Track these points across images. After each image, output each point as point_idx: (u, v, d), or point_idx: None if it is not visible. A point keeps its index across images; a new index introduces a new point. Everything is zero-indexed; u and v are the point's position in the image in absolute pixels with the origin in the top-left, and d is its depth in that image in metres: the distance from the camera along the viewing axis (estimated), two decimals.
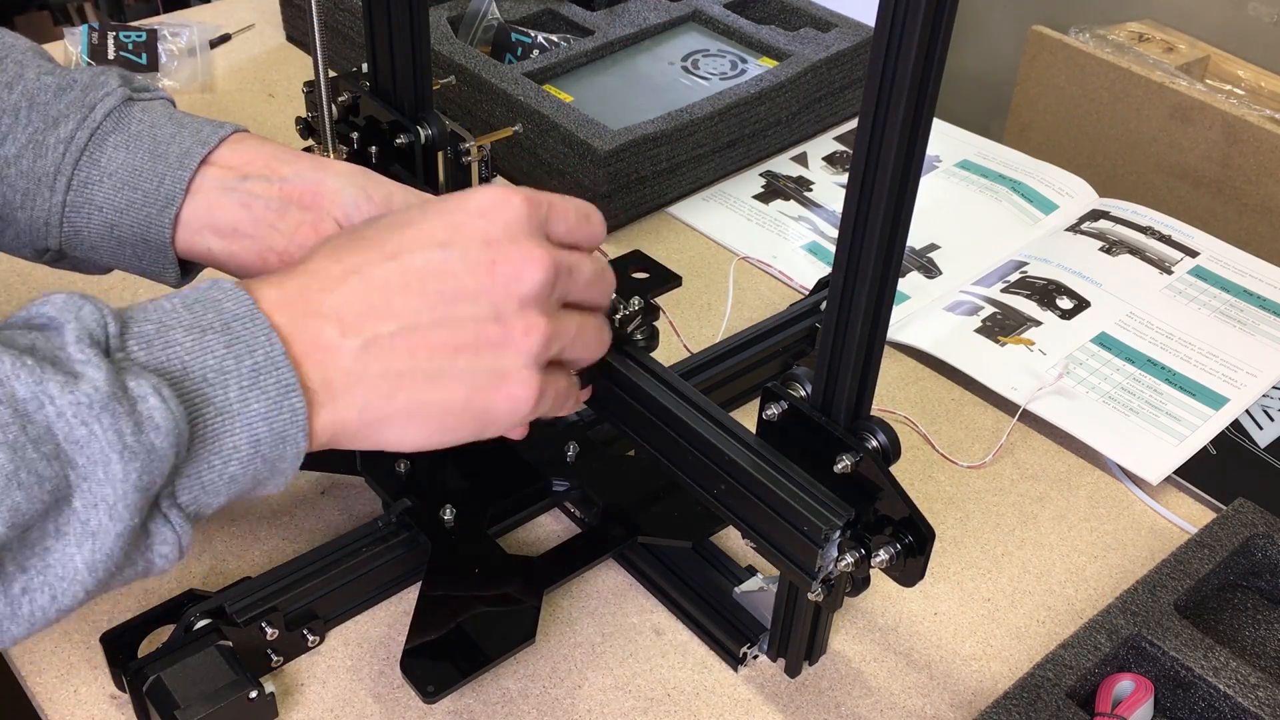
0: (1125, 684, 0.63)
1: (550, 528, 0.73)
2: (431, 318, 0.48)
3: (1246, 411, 0.83)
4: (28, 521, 0.39)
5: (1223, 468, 0.79)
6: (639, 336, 0.64)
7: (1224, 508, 0.73)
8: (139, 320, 0.43)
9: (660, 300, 0.71)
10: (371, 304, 0.47)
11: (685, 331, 0.87)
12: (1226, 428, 0.82)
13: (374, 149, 0.77)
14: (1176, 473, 0.78)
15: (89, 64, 1.11)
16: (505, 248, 0.49)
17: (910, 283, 0.94)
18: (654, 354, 0.64)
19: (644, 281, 0.72)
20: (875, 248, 0.50)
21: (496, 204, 0.50)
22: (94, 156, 0.57)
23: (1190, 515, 0.76)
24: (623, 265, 0.73)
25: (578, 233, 0.54)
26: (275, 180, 0.59)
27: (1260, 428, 0.82)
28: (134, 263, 0.60)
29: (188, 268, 0.61)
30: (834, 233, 0.91)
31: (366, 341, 0.47)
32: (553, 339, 0.51)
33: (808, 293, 0.87)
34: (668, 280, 0.73)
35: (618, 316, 0.63)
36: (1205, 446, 0.80)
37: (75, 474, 0.39)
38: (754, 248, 0.97)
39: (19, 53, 0.60)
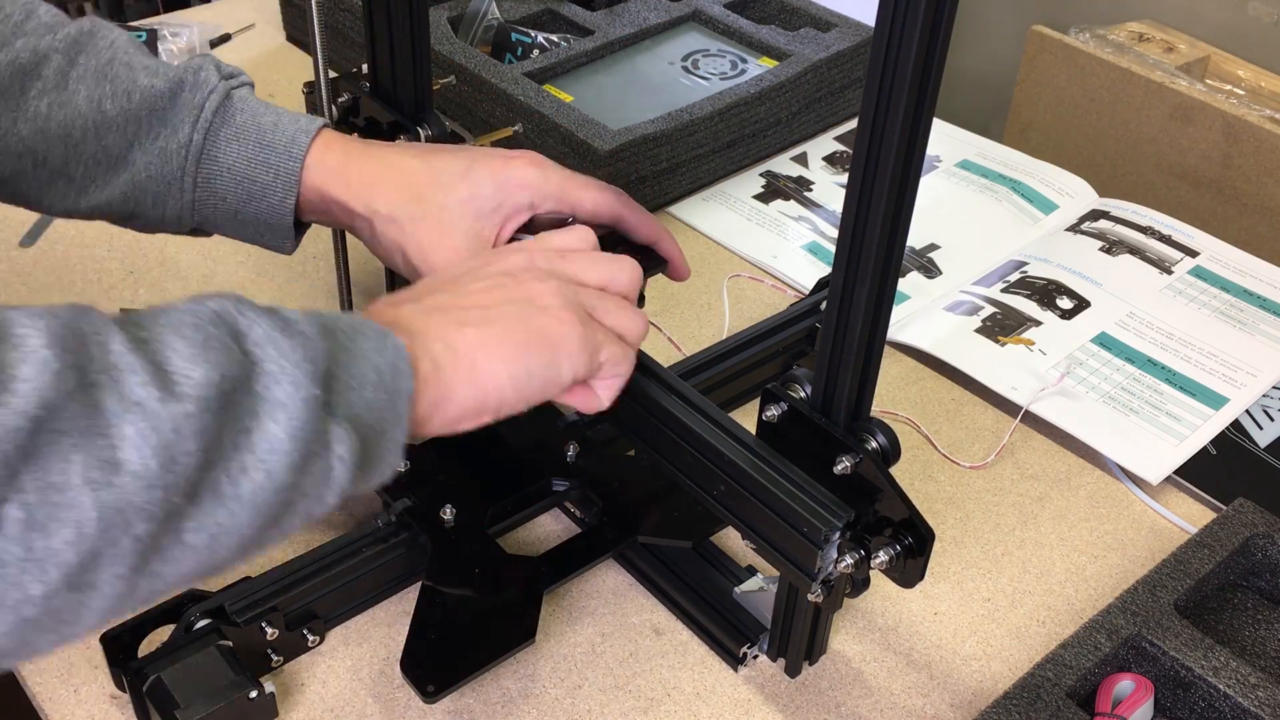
0: (1125, 684, 0.63)
1: (550, 528, 0.73)
2: (469, 284, 0.56)
3: (1246, 411, 0.83)
4: (228, 386, 0.41)
5: (1222, 468, 0.79)
6: None
7: (1224, 508, 0.73)
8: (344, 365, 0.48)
9: (661, 301, 0.71)
10: (434, 294, 0.55)
11: (684, 331, 0.87)
12: (1226, 428, 0.82)
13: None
14: (1176, 473, 0.78)
15: None
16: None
17: (910, 283, 0.94)
18: (654, 354, 0.64)
19: None
20: (875, 248, 0.50)
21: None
22: (211, 154, 0.63)
23: (1190, 515, 0.76)
24: (610, 246, 0.73)
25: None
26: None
27: (1260, 428, 0.82)
28: (255, 237, 0.67)
29: (299, 229, 0.67)
30: (834, 233, 0.91)
31: (425, 305, 0.54)
32: (571, 286, 0.56)
33: (807, 293, 0.87)
34: (654, 263, 0.72)
35: None
36: (1205, 446, 0.80)
37: (249, 359, 0.43)
38: (754, 248, 0.97)
39: (124, 53, 0.64)
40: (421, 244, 0.63)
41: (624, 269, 0.60)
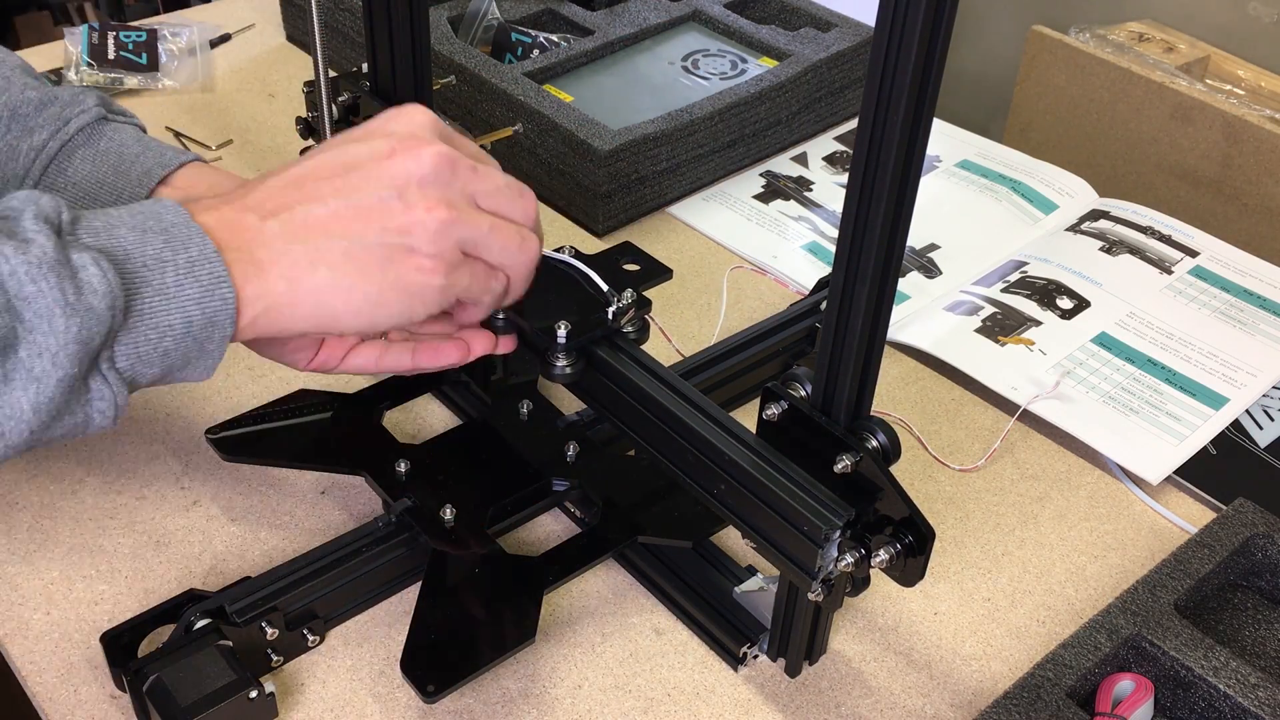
0: (1125, 684, 0.63)
1: (550, 527, 0.73)
2: (338, 199, 0.53)
3: (1247, 411, 0.83)
4: None
5: (1223, 468, 0.79)
6: (630, 329, 0.64)
7: (1224, 507, 0.73)
8: (89, 217, 0.49)
9: (661, 301, 0.71)
10: (286, 191, 0.53)
11: (684, 331, 0.87)
12: (1227, 428, 0.82)
13: None
14: (1176, 472, 0.78)
15: (89, 64, 1.11)
16: (405, 140, 0.55)
17: (910, 282, 0.94)
18: (654, 355, 0.64)
19: (635, 274, 0.72)
20: (875, 247, 0.50)
21: (404, 110, 0.57)
22: (61, 166, 0.63)
23: (1190, 515, 0.76)
24: (613, 257, 0.73)
25: (477, 157, 0.59)
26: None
27: (1260, 428, 0.82)
28: None
29: None
30: (834, 233, 0.91)
31: (283, 223, 0.52)
32: (455, 224, 0.54)
33: (808, 293, 0.87)
34: (658, 273, 0.73)
35: (610, 310, 0.63)
36: (1205, 446, 0.80)
37: (22, 327, 0.45)
38: (754, 248, 0.97)
39: (7, 69, 0.67)
40: None
41: (526, 201, 0.58)
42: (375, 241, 0.53)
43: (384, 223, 0.53)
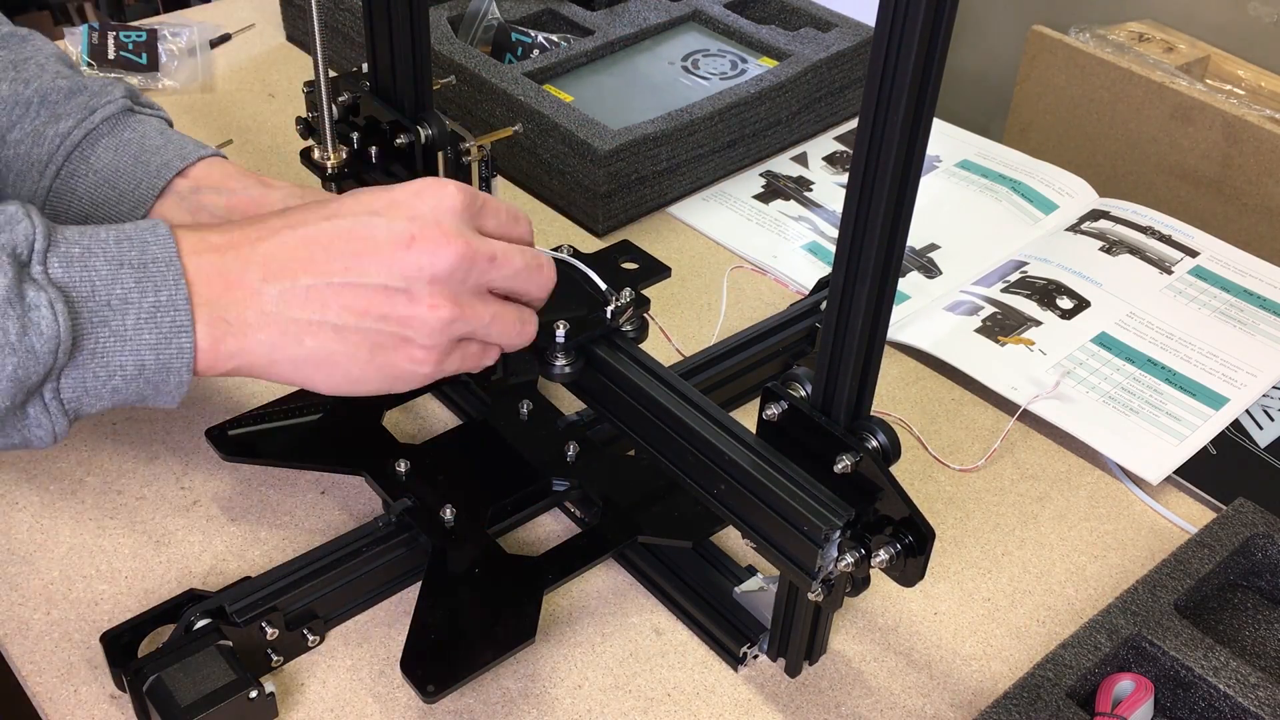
0: (1125, 684, 0.63)
1: (550, 527, 0.73)
2: (346, 278, 0.52)
3: (1247, 411, 0.83)
4: None
5: (1223, 468, 0.79)
6: (629, 328, 0.64)
7: (1224, 507, 0.73)
8: (69, 241, 0.49)
9: (661, 301, 0.71)
10: (296, 256, 0.52)
11: (684, 331, 0.87)
12: (1227, 428, 0.82)
13: (374, 149, 0.77)
14: (1176, 472, 0.78)
15: (89, 64, 1.11)
16: (428, 227, 0.53)
17: (910, 282, 0.94)
18: (654, 355, 0.64)
19: (634, 273, 0.72)
20: (875, 247, 0.50)
21: (432, 187, 0.54)
22: (84, 153, 0.64)
23: (1190, 515, 0.76)
24: (612, 256, 0.73)
25: (508, 229, 0.58)
26: (224, 193, 0.65)
27: (1260, 427, 0.82)
28: None
29: None
30: (834, 233, 0.91)
31: (284, 290, 0.52)
32: (458, 322, 0.54)
33: (807, 293, 0.87)
34: (657, 271, 0.73)
35: (609, 308, 0.63)
36: (1205, 446, 0.80)
37: None
38: (754, 248, 0.97)
39: (43, 56, 0.67)
40: None
41: (544, 274, 0.58)
42: (372, 328, 0.53)
43: (386, 311, 0.53)
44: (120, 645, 0.61)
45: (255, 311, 0.51)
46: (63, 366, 0.48)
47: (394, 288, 0.52)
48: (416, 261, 0.52)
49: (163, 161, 0.65)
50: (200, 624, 0.60)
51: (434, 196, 0.54)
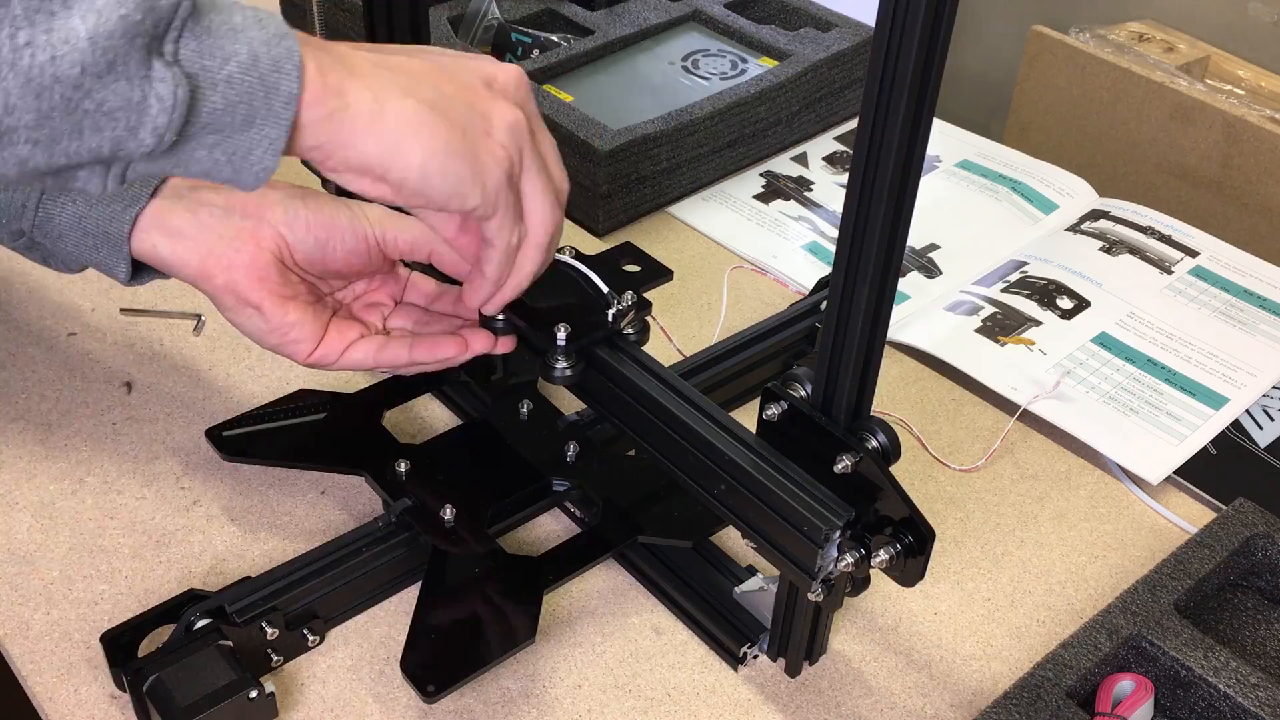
0: (1125, 684, 0.63)
1: (550, 527, 0.73)
2: (435, 68, 0.54)
3: (1246, 411, 0.83)
4: None
5: (1223, 468, 0.79)
6: (630, 330, 0.64)
7: (1224, 507, 0.73)
8: None
9: (661, 301, 0.71)
10: (379, 52, 0.53)
11: (684, 331, 0.87)
12: (1226, 428, 0.82)
13: None
14: (1176, 472, 0.78)
15: None
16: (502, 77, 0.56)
17: (910, 282, 0.94)
18: (654, 354, 0.64)
19: (635, 275, 0.72)
20: (876, 247, 0.50)
21: (502, 67, 0.57)
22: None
23: (1190, 515, 0.76)
24: (614, 258, 0.73)
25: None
26: (223, 190, 0.63)
27: (1260, 427, 0.82)
28: (93, 255, 0.63)
29: (140, 269, 0.64)
30: (834, 232, 0.91)
31: (376, 62, 0.52)
32: (526, 136, 0.56)
33: (807, 293, 0.87)
34: (659, 274, 0.73)
35: (610, 311, 0.63)
36: (1205, 446, 0.80)
37: None
38: (754, 248, 0.97)
39: None
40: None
41: (567, 187, 0.60)
42: (462, 108, 0.53)
43: (472, 98, 0.54)
44: (120, 645, 0.61)
45: (357, 65, 0.51)
46: (185, 19, 0.45)
47: (475, 84, 0.55)
48: (496, 78, 0.56)
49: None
50: (200, 624, 0.60)
51: (502, 71, 0.57)
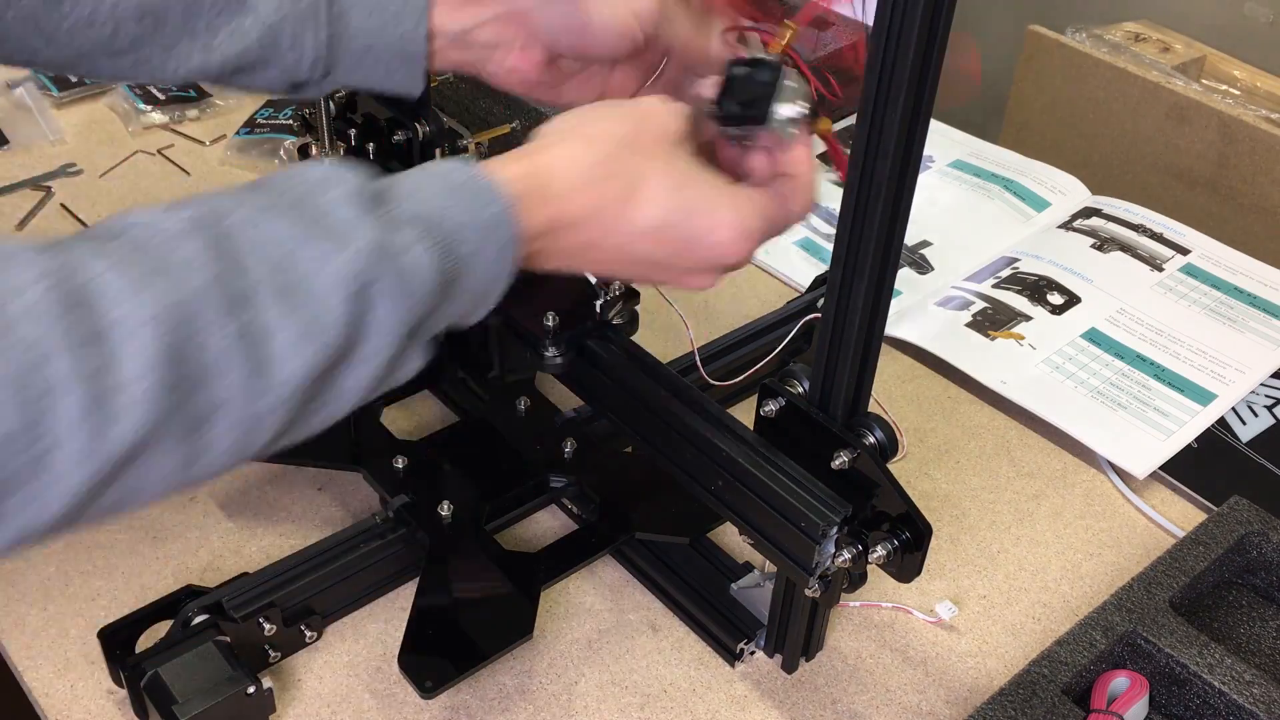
0: (1120, 681, 0.63)
1: (548, 524, 0.73)
2: (650, 269, 0.54)
3: (1232, 408, 0.84)
4: (326, 365, 0.43)
5: (1205, 463, 0.79)
6: (619, 320, 0.64)
7: (1206, 502, 0.73)
8: (396, 182, 0.48)
9: (657, 297, 0.72)
10: (599, 259, 0.53)
11: (679, 328, 0.87)
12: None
13: (371, 145, 0.77)
14: (1161, 468, 0.78)
15: (144, 108, 1.09)
16: (701, 276, 0.55)
17: (902, 278, 0.94)
18: (651, 352, 0.64)
19: None
20: (873, 245, 0.51)
21: (726, 251, 0.54)
22: (339, 35, 0.60)
23: (1172, 512, 0.76)
24: None
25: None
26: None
27: (1244, 423, 0.83)
28: (386, 79, 0.62)
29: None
30: (828, 229, 0.91)
31: (580, 243, 0.52)
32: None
33: (804, 290, 0.87)
34: None
35: (598, 302, 0.63)
36: (1189, 442, 0.81)
37: (358, 335, 0.44)
38: None
39: None
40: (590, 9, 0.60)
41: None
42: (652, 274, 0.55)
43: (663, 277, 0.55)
44: (118, 641, 0.61)
45: (575, 248, 0.52)
46: (441, 301, 0.47)
47: (699, 272, 0.55)
48: (724, 264, 0.55)
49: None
50: (198, 620, 0.60)
51: (725, 264, 0.55)
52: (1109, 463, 0.79)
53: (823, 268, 0.93)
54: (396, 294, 0.44)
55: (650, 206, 0.52)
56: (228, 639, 0.60)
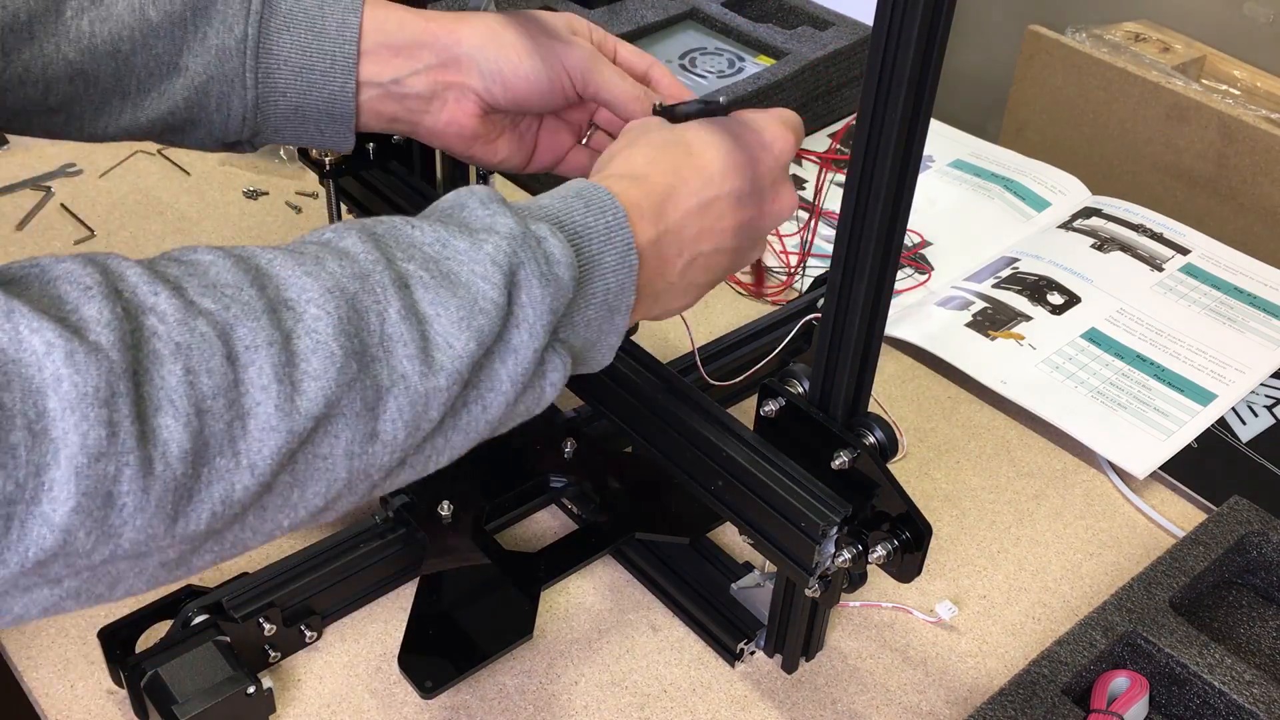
0: (1120, 681, 0.63)
1: (547, 524, 0.73)
2: (730, 244, 0.56)
3: (1231, 407, 0.84)
4: (483, 350, 0.44)
5: (1205, 463, 0.79)
6: None
7: (1206, 502, 0.73)
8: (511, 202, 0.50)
9: None
10: (700, 228, 0.55)
11: (680, 329, 0.87)
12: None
13: (371, 145, 0.77)
14: (1161, 468, 0.78)
15: None
16: (781, 187, 0.58)
17: (902, 278, 0.94)
18: (651, 352, 0.64)
19: None
20: (873, 245, 0.51)
21: (781, 143, 0.58)
22: (267, 47, 0.61)
23: (1173, 511, 0.76)
24: None
25: None
26: (422, 75, 0.63)
27: (1244, 423, 0.83)
28: (315, 135, 0.64)
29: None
30: (827, 230, 0.92)
31: (690, 259, 0.54)
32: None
33: (803, 290, 0.87)
34: None
35: None
36: (1189, 442, 0.81)
37: (510, 315, 0.45)
38: None
39: None
40: (516, 68, 0.62)
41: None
42: (732, 266, 0.57)
43: (744, 257, 0.57)
44: (117, 640, 0.61)
45: (664, 281, 0.54)
46: (570, 304, 0.48)
47: (758, 239, 0.58)
48: (772, 219, 0.58)
49: (339, 22, 0.61)
50: (198, 619, 0.60)
51: (783, 152, 0.58)
52: (1109, 463, 0.79)
53: (823, 268, 0.93)
54: (542, 278, 0.46)
55: (710, 149, 0.55)
56: (228, 639, 0.60)
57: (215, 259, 0.41)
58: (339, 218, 0.79)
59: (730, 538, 0.71)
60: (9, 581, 0.36)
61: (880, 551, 0.55)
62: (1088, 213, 1.03)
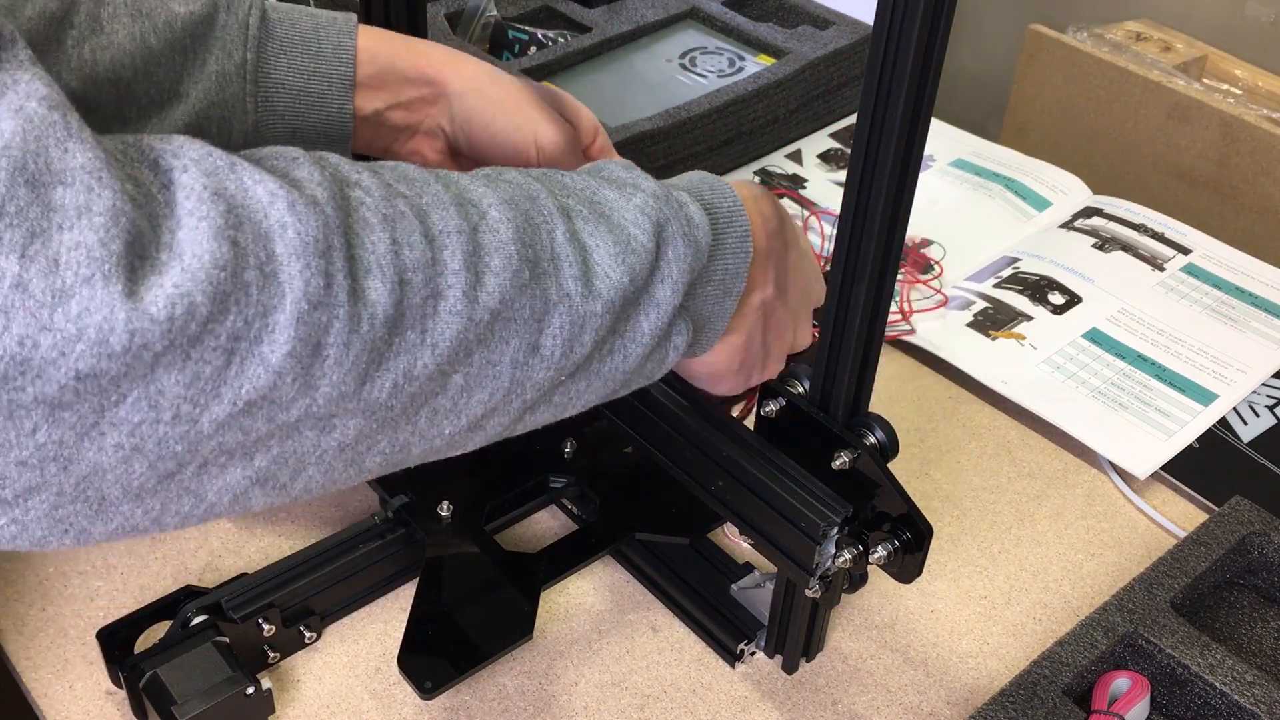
0: (1121, 681, 0.63)
1: (547, 524, 0.73)
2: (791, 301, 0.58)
3: (1233, 407, 0.84)
4: (633, 289, 0.46)
5: (1207, 463, 0.79)
6: None
7: (1207, 502, 0.73)
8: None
9: None
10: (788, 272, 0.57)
11: None
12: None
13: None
14: (1162, 468, 0.78)
15: None
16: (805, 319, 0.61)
17: (919, 299, 0.94)
18: None
19: None
20: (874, 244, 0.51)
21: (806, 336, 0.61)
22: (265, 71, 0.62)
23: (1175, 511, 0.76)
24: None
25: None
26: (401, 110, 0.65)
27: (1245, 423, 0.83)
28: None
29: None
30: (828, 229, 0.91)
31: (780, 290, 0.56)
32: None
33: None
34: None
35: None
36: (1190, 442, 0.80)
37: (657, 264, 0.47)
38: None
39: None
40: (498, 115, 0.63)
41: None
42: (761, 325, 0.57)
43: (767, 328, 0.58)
44: (116, 641, 0.61)
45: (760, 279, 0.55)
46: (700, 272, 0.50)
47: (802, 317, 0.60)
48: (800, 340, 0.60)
49: (335, 45, 0.62)
50: (197, 620, 0.60)
51: (818, 298, 0.61)
52: (1110, 463, 0.79)
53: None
54: (685, 238, 0.48)
55: (793, 230, 0.58)
56: (227, 640, 0.59)
57: (399, 161, 0.44)
58: None
59: (730, 538, 0.71)
60: (216, 426, 0.36)
61: (881, 552, 0.55)
62: (1089, 212, 1.02)
